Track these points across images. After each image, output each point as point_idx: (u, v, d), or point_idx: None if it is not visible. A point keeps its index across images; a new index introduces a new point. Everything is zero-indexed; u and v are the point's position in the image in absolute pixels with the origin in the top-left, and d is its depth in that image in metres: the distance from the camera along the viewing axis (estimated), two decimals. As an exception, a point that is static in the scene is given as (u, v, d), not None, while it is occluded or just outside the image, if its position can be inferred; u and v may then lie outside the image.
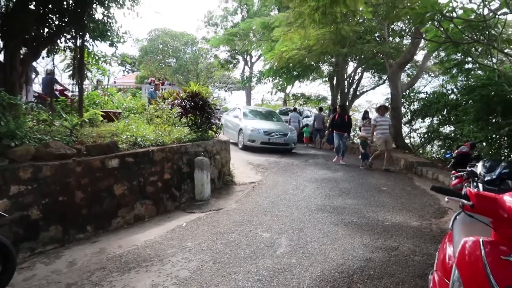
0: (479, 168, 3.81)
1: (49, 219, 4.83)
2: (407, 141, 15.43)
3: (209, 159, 7.67)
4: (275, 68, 18.98)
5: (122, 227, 5.67)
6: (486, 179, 3.64)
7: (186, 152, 7.33)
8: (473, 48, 10.68)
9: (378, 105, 12.00)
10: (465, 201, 2.04)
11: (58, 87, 11.08)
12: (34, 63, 9.19)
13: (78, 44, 8.03)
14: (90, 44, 8.86)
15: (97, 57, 10.53)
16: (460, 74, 14.26)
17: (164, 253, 4.58)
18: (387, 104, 11.87)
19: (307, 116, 20.36)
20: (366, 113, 14.58)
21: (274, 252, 4.51)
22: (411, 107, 15.06)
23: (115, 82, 26.46)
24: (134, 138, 6.57)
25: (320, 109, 19.49)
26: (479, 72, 11.35)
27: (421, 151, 14.11)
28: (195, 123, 8.58)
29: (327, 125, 14.95)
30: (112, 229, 5.55)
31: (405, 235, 5.14)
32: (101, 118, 7.76)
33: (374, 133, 11.00)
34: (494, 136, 9.16)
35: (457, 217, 2.83)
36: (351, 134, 18.51)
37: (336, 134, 11.58)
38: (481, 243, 1.93)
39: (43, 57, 8.83)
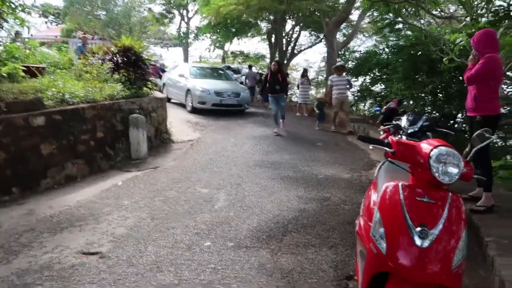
0: (403, 121, 4.06)
1: (-33, 182, 4.47)
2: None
3: (144, 117, 7.42)
4: (212, 23, 18.46)
5: (52, 188, 5.40)
6: (409, 131, 3.89)
7: (120, 109, 7.02)
8: (404, 9, 11.09)
9: (336, 64, 10.62)
10: (387, 149, 2.19)
11: (-30, 38, 9.90)
12: None
13: (-11, -11, 7.16)
14: (4, -10, 7.93)
15: (13, 6, 9.49)
16: (391, 34, 14.83)
17: (99, 212, 4.47)
18: (343, 63, 11.16)
19: (244, 75, 20.26)
20: (305, 71, 14.50)
21: (212, 207, 4.58)
22: (346, 66, 15.55)
23: (31, 35, 23.94)
24: (62, 94, 6.14)
25: (250, 67, 19.62)
26: (409, 32, 11.87)
27: (354, 109, 14.77)
28: (129, 79, 8.18)
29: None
30: (41, 190, 5.26)
31: (337, 186, 5.45)
32: (23, 74, 7.12)
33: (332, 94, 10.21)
34: (419, 94, 9.79)
35: (382, 166, 3.03)
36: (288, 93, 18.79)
37: (271, 98, 9.49)
38: (400, 187, 2.10)
39: None
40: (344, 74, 10.25)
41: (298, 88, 14.36)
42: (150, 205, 4.66)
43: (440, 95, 10.00)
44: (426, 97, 10.15)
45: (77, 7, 28.69)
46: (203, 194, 5.03)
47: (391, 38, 15.08)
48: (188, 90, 12.78)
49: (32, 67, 7.91)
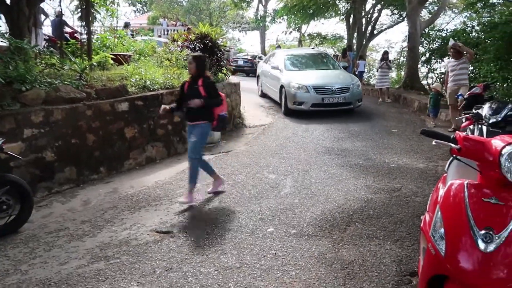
0: (485, 110, 3.75)
1: (64, 161, 5.05)
2: (424, 82, 15.03)
3: (218, 102, 7.69)
4: (289, 5, 18.26)
5: (134, 169, 5.90)
6: (490, 121, 3.60)
7: (196, 95, 7.34)
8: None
9: (449, 44, 8.24)
10: (452, 145, 2.05)
11: (68, 29, 10.94)
12: (44, 5, 9.06)
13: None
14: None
15: (104, -2, 10.29)
16: (484, 9, 13.42)
17: (173, 193, 4.79)
18: (455, 42, 8.21)
19: None
20: (385, 53, 13.02)
21: (278, 193, 4.66)
22: (431, 46, 14.47)
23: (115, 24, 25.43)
24: (143, 81, 6.61)
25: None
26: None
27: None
28: (205, 65, 8.49)
29: None
30: (124, 171, 5.78)
31: (409, 176, 5.20)
32: (111, 62, 7.75)
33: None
34: (512, 76, 8.82)
35: (453, 161, 2.84)
36: (364, 76, 17.97)
37: (189, 126, 4.71)
38: (465, 185, 1.97)
39: (50, -1, 8.70)
40: (464, 58, 7.73)
41: (377, 71, 13.60)
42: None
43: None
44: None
45: (162, -6, 30.20)
46: (270, 180, 5.13)
47: (484, 15, 13.70)
48: (282, 87, 9.93)
49: (120, 55, 8.56)
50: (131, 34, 14.54)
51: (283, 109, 9.99)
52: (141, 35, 16.91)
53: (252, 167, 5.71)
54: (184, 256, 3.25)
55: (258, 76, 12.99)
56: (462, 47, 7.70)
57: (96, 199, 4.68)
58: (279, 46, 24.19)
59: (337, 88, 9.40)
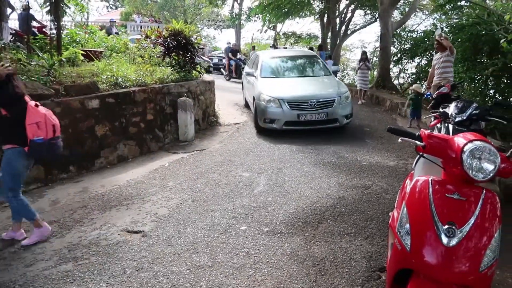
0: (451, 109, 3.86)
1: (31, 160, 4.88)
2: (395, 82, 15.37)
3: (192, 100, 7.63)
4: (264, 4, 18.28)
5: (105, 167, 5.77)
6: (456, 120, 3.71)
7: (169, 92, 7.26)
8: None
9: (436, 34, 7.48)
10: (417, 142, 2.10)
11: (36, 23, 10.60)
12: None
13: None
14: (65, -23, 8.40)
15: (74, -8, 10.04)
16: (453, 11, 13.87)
17: (145, 192, 4.72)
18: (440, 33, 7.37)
19: None
20: (363, 53, 12.58)
21: (251, 191, 4.67)
22: (402, 47, 14.82)
23: (87, 20, 24.76)
24: (115, 78, 6.46)
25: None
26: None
27: (409, 92, 14.11)
28: (178, 63, 8.42)
29: None
30: (95, 169, 5.65)
31: (380, 174, 5.31)
32: (82, 58, 7.55)
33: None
34: (478, 76, 9.14)
35: (420, 158, 2.92)
36: (338, 75, 18.19)
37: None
38: (430, 182, 2.03)
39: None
40: (448, 51, 7.00)
41: (356, 72, 13.56)
42: (192, 187, 4.84)
43: (504, 78, 9.27)
44: (487, 80, 9.44)
45: (135, -10, 29.66)
46: (244, 178, 5.13)
47: (453, 16, 14.14)
48: (254, 99, 8.17)
49: (90, 51, 8.34)
50: (116, 33, 14.09)
51: (254, 125, 8.20)
52: (122, 32, 16.47)
53: (226, 166, 5.70)
54: (155, 256, 3.21)
55: (242, 82, 11.22)
56: (443, 40, 7.10)
57: (65, 199, 4.55)
58: (273, 46, 21.64)
59: (317, 102, 7.43)
